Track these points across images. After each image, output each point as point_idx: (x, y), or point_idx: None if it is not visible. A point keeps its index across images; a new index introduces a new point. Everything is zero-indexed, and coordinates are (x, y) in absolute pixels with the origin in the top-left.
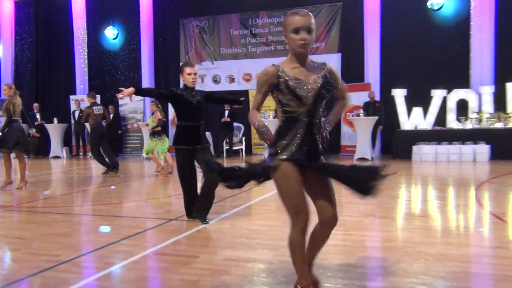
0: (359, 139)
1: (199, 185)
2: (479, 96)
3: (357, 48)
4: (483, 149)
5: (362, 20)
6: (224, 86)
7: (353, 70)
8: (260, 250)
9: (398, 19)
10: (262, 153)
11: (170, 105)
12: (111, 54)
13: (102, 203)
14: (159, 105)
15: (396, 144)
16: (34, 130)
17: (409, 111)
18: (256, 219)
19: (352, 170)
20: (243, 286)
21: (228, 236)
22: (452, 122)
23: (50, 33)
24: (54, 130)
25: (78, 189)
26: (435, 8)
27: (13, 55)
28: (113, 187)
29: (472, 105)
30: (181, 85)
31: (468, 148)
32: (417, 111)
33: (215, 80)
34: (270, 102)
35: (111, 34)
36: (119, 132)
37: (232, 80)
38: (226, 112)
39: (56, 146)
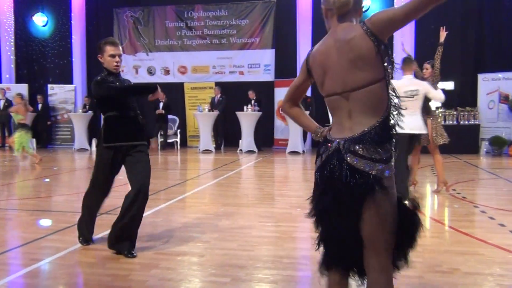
0: (291, 133)
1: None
2: None
3: (290, 44)
4: None
5: (295, 17)
6: (159, 78)
7: (286, 66)
8: (192, 243)
9: None
10: (197, 146)
11: None
12: (40, 42)
13: (29, 197)
14: (24, 98)
15: None
16: None
17: None
18: (190, 212)
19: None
20: (172, 279)
21: (160, 230)
22: None
23: None
24: None
25: (3, 182)
26: (363, 8)
27: None
28: (47, 179)
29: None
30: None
31: None
32: None
33: (150, 71)
34: (205, 95)
35: (40, 21)
36: (48, 123)
37: (167, 72)
38: (161, 104)
39: None
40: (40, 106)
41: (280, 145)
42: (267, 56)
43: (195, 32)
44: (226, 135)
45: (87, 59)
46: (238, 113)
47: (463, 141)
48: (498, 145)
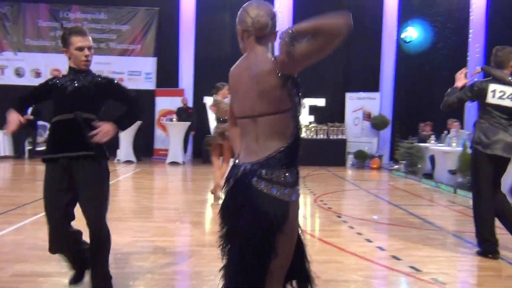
0: (172, 143)
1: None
2: None
3: (172, 54)
4: None
5: (178, 28)
6: (29, 80)
7: (168, 76)
8: (56, 263)
9: (211, 32)
10: None
11: None
12: None
13: None
14: None
15: (207, 150)
16: None
17: None
18: None
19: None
20: None
21: (21, 249)
22: None
23: None
24: None
25: None
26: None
27: None
28: None
29: None
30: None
31: None
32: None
33: (18, 73)
34: None
35: None
36: None
37: (38, 74)
38: (29, 109)
39: None
40: None
41: (160, 155)
42: (149, 64)
43: None
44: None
45: None
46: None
47: (331, 154)
48: (361, 158)
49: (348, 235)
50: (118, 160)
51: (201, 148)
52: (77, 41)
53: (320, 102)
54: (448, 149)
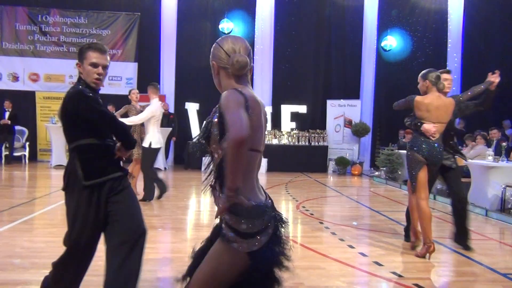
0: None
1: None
2: None
3: (153, 60)
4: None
5: (159, 33)
6: (6, 84)
7: (149, 81)
8: (35, 270)
9: (193, 37)
10: (49, 160)
11: None
12: None
13: None
14: None
15: (188, 155)
16: None
17: (201, 124)
18: (36, 235)
19: None
20: None
21: None
22: None
23: None
24: None
25: None
26: (226, 31)
27: None
28: None
29: None
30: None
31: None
32: None
33: None
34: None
35: None
36: None
37: (15, 78)
38: (6, 113)
39: None
40: None
41: None
42: (130, 69)
43: (50, 38)
44: None
45: None
46: None
47: (313, 160)
48: (343, 165)
49: (331, 241)
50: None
51: (182, 154)
52: (94, 57)
53: (302, 109)
54: None
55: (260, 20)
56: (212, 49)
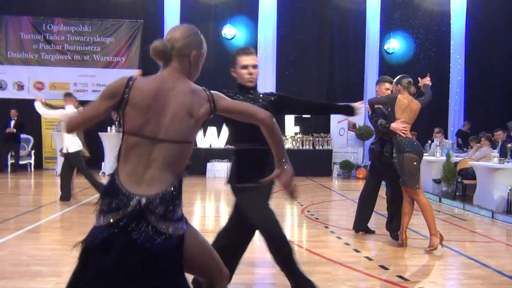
0: None
1: None
2: None
3: (157, 66)
4: None
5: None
6: (11, 93)
7: None
8: (41, 279)
9: None
10: (54, 168)
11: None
12: None
13: None
14: None
15: (191, 161)
16: None
17: (204, 130)
18: (42, 242)
19: None
20: None
21: (5, 265)
22: None
23: None
24: None
25: None
26: (229, 37)
27: None
28: None
29: None
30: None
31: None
32: (212, 130)
33: (0, 86)
34: None
35: None
36: None
37: (20, 87)
38: (12, 122)
39: None
40: None
41: None
42: None
43: (54, 46)
44: None
45: None
46: (101, 134)
47: (318, 164)
48: (347, 168)
49: (336, 245)
50: (103, 173)
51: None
52: (243, 59)
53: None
54: (432, 158)
55: (263, 26)
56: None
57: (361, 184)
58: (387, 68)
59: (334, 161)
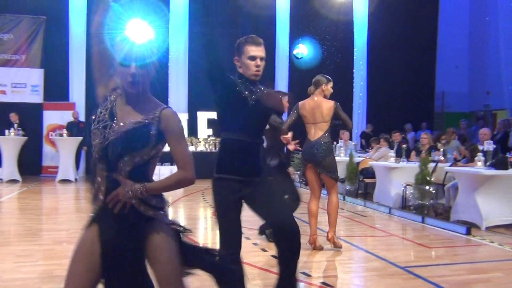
0: (62, 159)
1: None
2: None
3: (62, 66)
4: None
5: (67, 38)
6: None
7: (57, 88)
8: None
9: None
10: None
11: None
12: None
13: None
14: None
15: None
16: None
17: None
18: None
19: None
20: None
21: None
22: None
23: None
24: None
25: None
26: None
27: None
28: None
29: None
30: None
31: (166, 169)
32: None
33: None
34: None
35: None
36: None
37: None
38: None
39: None
40: None
41: (49, 173)
42: (35, 76)
43: None
44: None
45: None
46: None
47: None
48: None
49: (245, 246)
50: (0, 179)
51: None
52: (251, 49)
53: (212, 115)
54: (336, 159)
55: (174, 27)
56: None
57: None
58: (296, 73)
59: None
